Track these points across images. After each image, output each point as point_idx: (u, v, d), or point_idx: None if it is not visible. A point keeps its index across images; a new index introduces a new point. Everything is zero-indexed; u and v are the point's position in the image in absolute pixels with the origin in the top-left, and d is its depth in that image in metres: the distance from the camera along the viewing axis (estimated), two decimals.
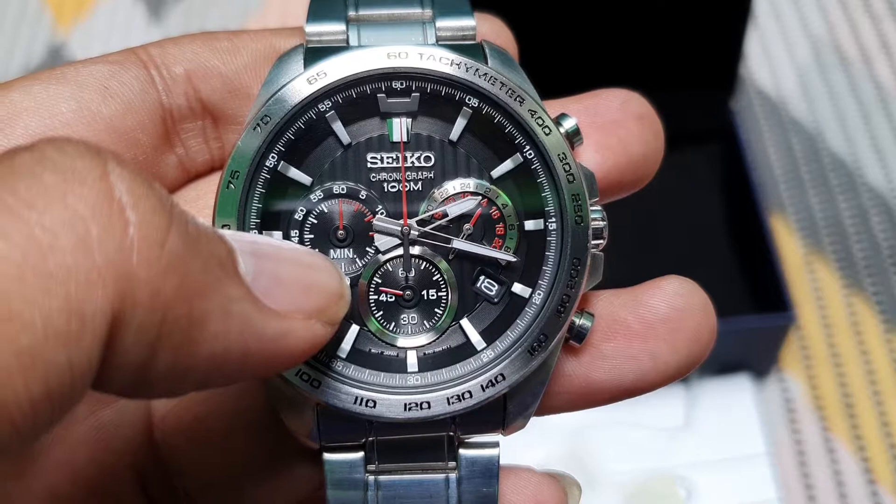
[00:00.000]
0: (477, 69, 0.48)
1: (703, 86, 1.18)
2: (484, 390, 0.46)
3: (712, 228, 1.16)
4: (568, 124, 0.48)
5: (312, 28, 0.49)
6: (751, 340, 1.04)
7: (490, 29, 0.53)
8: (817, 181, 1.22)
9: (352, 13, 0.50)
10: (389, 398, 0.46)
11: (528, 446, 1.00)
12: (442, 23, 0.50)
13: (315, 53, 0.48)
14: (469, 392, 0.46)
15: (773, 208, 1.20)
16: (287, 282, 0.37)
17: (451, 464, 0.48)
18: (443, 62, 0.48)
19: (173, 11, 1.45)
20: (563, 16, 1.11)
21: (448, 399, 0.46)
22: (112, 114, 0.47)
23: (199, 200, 0.51)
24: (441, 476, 0.48)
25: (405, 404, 0.46)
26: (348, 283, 0.42)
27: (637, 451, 1.02)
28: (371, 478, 0.48)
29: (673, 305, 0.49)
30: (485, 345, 0.48)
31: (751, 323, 1.03)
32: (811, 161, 1.24)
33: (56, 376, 0.28)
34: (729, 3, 1.11)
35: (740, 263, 1.12)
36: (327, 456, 0.48)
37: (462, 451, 0.48)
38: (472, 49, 0.49)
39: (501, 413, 0.48)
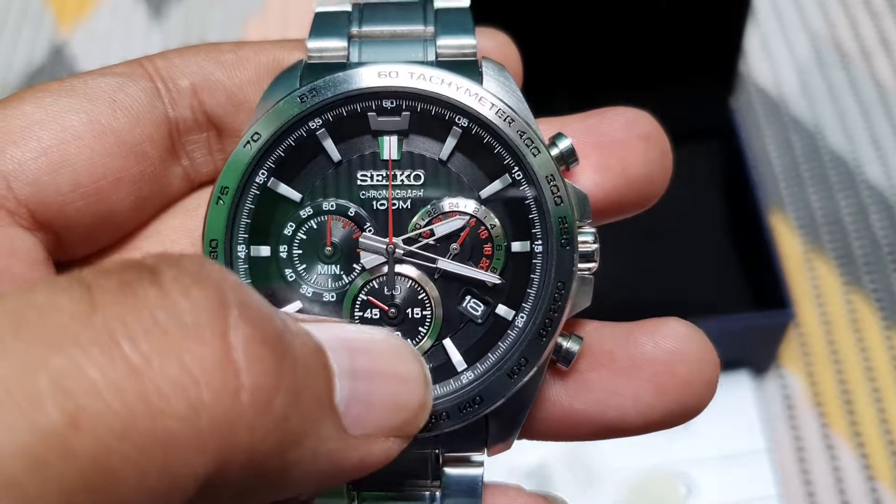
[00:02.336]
0: (467, 89, 0.47)
1: (702, 83, 1.18)
2: (461, 412, 0.46)
3: (712, 226, 1.16)
4: (563, 144, 0.48)
5: (314, 44, 0.50)
6: (750, 337, 1.04)
7: (494, 44, 0.53)
8: (817, 179, 1.22)
9: (354, 30, 0.50)
10: None
11: (530, 443, 1.01)
12: (443, 41, 0.50)
13: (313, 70, 0.49)
14: (446, 413, 0.46)
15: (772, 206, 1.20)
16: (377, 404, 0.37)
17: (436, 482, 0.48)
18: (433, 81, 0.48)
19: (174, 11, 1.45)
20: (565, 14, 1.11)
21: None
22: (121, 126, 0.47)
23: (200, 209, 0.51)
24: (425, 494, 0.48)
25: None
26: (430, 383, 0.42)
27: (637, 448, 1.02)
28: (354, 493, 0.48)
29: (662, 347, 0.47)
30: (465, 366, 0.48)
31: (750, 320, 1.03)
32: (811, 158, 1.24)
33: None
34: (729, 1, 1.11)
35: (740, 261, 1.13)
36: None
37: (446, 470, 0.48)
38: (468, 66, 0.49)
39: (484, 433, 0.48)
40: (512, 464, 1.02)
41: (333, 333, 0.37)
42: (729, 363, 1.07)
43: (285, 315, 0.35)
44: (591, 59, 1.13)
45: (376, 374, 0.38)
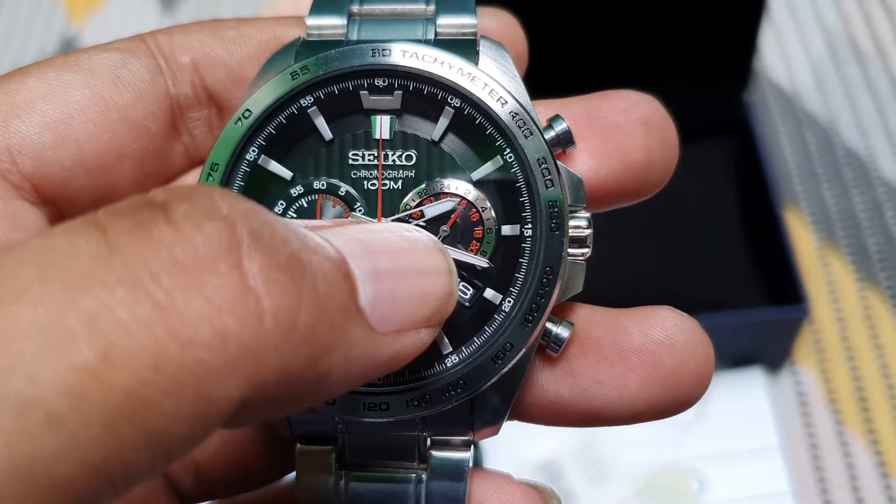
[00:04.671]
0: (460, 68, 0.46)
1: (717, 78, 1.17)
2: (444, 395, 0.45)
3: (726, 221, 1.15)
4: (559, 127, 0.46)
5: (313, 21, 0.49)
6: (764, 333, 1.04)
7: (498, 24, 0.52)
8: (831, 175, 1.22)
9: (355, 8, 0.49)
10: (350, 396, 0.45)
11: (540, 437, 1.01)
12: (442, 20, 0.49)
13: (310, 47, 0.48)
14: (429, 396, 0.45)
15: (786, 201, 1.19)
16: (403, 300, 0.37)
17: (423, 464, 0.48)
18: (425, 60, 0.46)
19: (185, 3, 1.45)
20: (578, 6, 1.11)
21: (407, 402, 0.45)
22: (124, 102, 0.47)
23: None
24: (411, 476, 0.48)
25: (364, 404, 0.45)
26: (456, 276, 0.41)
27: (649, 444, 1.02)
28: (341, 480, 0.48)
29: (650, 337, 0.46)
30: (450, 349, 0.47)
31: (764, 316, 1.02)
32: (825, 154, 1.23)
33: (177, 447, 0.29)
34: None
35: (754, 256, 1.12)
36: (300, 447, 0.48)
37: (433, 452, 0.47)
38: (466, 45, 0.48)
39: (469, 417, 0.47)
40: (522, 457, 1.01)
41: (351, 237, 0.37)
42: (742, 359, 1.07)
43: (303, 229, 0.35)
44: (606, 53, 1.13)
45: (399, 271, 0.38)
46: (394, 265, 0.38)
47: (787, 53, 1.33)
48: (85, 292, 0.28)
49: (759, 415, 1.03)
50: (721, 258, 1.12)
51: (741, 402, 1.04)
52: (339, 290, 0.34)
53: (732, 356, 1.06)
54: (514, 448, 1.01)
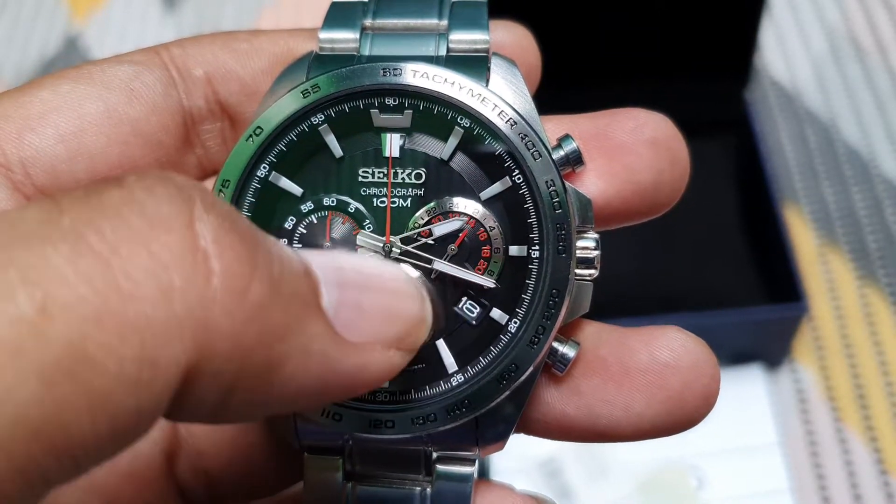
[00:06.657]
0: (470, 89, 0.47)
1: (717, 76, 1.17)
2: (448, 414, 0.46)
3: (726, 219, 1.16)
4: (568, 147, 0.47)
5: (326, 35, 0.49)
6: (764, 331, 1.04)
7: (511, 38, 0.52)
8: (832, 172, 1.22)
9: (367, 22, 0.49)
10: (356, 413, 0.46)
11: None
12: (455, 35, 0.49)
13: (322, 62, 0.48)
14: (434, 415, 0.46)
15: (786, 199, 1.19)
16: (369, 311, 0.37)
17: (428, 477, 0.48)
18: (435, 80, 0.47)
19: (188, 2, 1.45)
20: (581, 4, 1.11)
21: (413, 420, 0.46)
22: (138, 116, 0.47)
23: None
24: (416, 489, 0.48)
25: (370, 421, 0.46)
26: (430, 306, 0.41)
27: (649, 441, 1.01)
28: (348, 484, 0.48)
29: (656, 357, 0.46)
30: (456, 368, 0.47)
31: (764, 313, 1.03)
32: (826, 152, 1.23)
33: (123, 417, 0.28)
34: None
35: (754, 254, 1.13)
36: (307, 456, 0.48)
37: (438, 466, 0.48)
38: (477, 62, 0.48)
39: (474, 433, 0.47)
40: (523, 455, 1.02)
41: (319, 252, 0.37)
42: (742, 356, 1.07)
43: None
44: (607, 51, 1.13)
45: (366, 286, 0.38)
46: (360, 279, 0.38)
47: (787, 51, 1.33)
48: (27, 249, 0.28)
49: (759, 412, 1.04)
50: (721, 256, 1.12)
51: (741, 399, 1.04)
52: (297, 280, 0.34)
53: (732, 353, 1.06)
54: (516, 445, 1.01)
